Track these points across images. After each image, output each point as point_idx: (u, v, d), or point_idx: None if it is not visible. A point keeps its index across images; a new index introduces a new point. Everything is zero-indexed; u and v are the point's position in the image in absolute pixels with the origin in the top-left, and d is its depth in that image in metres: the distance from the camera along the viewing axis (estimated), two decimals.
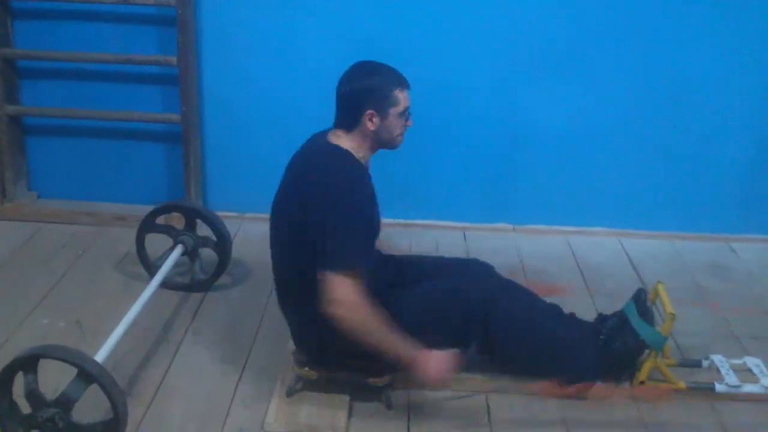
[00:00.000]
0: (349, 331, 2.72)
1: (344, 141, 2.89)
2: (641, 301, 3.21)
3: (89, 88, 4.60)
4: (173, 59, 4.35)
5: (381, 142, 2.91)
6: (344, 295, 2.70)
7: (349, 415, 3.04)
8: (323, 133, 2.97)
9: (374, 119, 2.83)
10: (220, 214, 3.97)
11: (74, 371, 2.65)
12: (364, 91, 2.84)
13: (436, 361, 2.81)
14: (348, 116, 2.88)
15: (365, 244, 2.83)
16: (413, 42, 4.28)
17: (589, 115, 4.50)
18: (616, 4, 4.28)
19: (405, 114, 2.90)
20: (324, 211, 2.74)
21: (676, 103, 4.46)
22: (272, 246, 3.03)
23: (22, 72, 4.60)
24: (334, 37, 4.37)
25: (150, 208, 3.95)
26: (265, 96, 4.54)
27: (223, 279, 3.98)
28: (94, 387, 2.64)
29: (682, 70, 4.40)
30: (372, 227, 2.88)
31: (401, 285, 3.14)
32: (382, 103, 2.83)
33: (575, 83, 4.43)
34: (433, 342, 2.89)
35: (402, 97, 2.86)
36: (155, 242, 3.94)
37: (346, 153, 2.87)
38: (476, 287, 3.11)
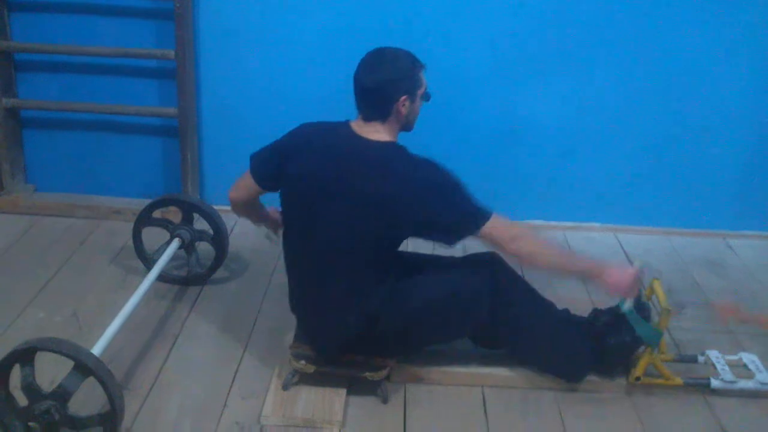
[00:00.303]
0: (536, 260, 2.94)
1: (382, 133, 2.91)
2: (636, 296, 3.21)
3: (86, 81, 4.59)
4: (171, 53, 4.34)
5: (406, 125, 2.96)
6: (514, 229, 2.89)
7: (346, 409, 3.05)
8: (346, 129, 2.96)
9: (406, 104, 2.86)
10: (216, 207, 3.96)
11: (71, 364, 2.65)
12: (395, 79, 2.85)
13: (623, 273, 2.98)
14: (381, 106, 2.88)
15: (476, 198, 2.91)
16: (412, 39, 4.25)
17: (585, 110, 4.50)
18: (608, 2, 4.28)
19: (426, 94, 2.95)
20: (444, 193, 2.84)
21: (673, 98, 4.47)
22: (331, 236, 2.95)
23: (19, 65, 4.59)
24: (332, 31, 4.37)
25: (147, 201, 3.95)
26: (262, 90, 4.54)
27: (220, 272, 3.98)
28: (91, 380, 2.65)
29: (679, 65, 4.40)
30: None
31: (407, 275, 3.15)
32: (411, 87, 2.87)
33: (571, 78, 4.44)
34: (440, 329, 2.98)
35: (423, 77, 2.92)
36: (152, 236, 3.94)
37: (401, 146, 2.93)
38: (482, 272, 3.12)
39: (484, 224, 2.83)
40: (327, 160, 2.92)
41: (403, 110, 2.87)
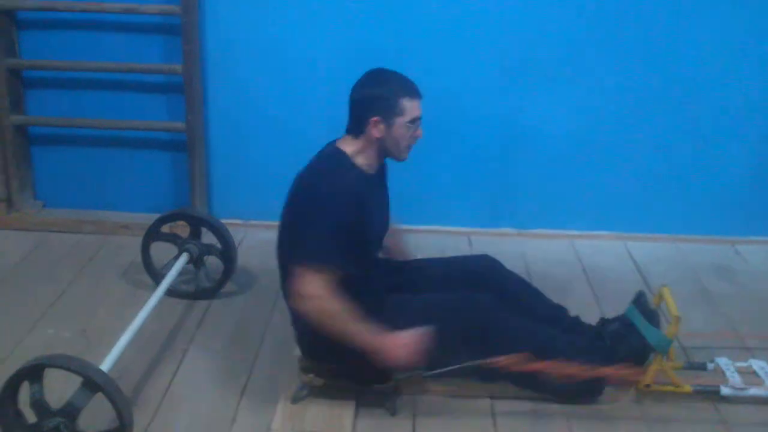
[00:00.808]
0: (316, 323, 2.81)
1: (349, 146, 2.94)
2: (642, 303, 3.21)
3: (94, 97, 4.61)
4: (178, 68, 4.36)
5: (387, 150, 2.95)
6: (310, 290, 2.78)
7: (355, 421, 3.05)
8: (336, 139, 3.02)
9: (380, 126, 2.85)
10: (224, 221, 3.98)
11: (79, 380, 2.66)
12: (370, 98, 2.87)
13: (403, 342, 2.81)
14: (355, 122, 2.92)
15: (335, 245, 2.81)
16: (416, 50, 4.29)
17: (592, 118, 4.50)
18: (617, 7, 4.28)
19: (414, 124, 2.91)
20: (301, 209, 2.87)
21: (680, 105, 4.47)
22: (283, 250, 3.02)
23: (28, 82, 4.61)
24: (338, 46, 4.38)
25: (154, 216, 3.96)
26: (269, 104, 4.54)
27: (228, 287, 3.99)
28: (100, 395, 2.65)
29: (686, 72, 4.40)
30: (346, 230, 2.84)
31: (405, 290, 3.14)
32: (387, 111, 2.85)
33: (578, 87, 4.44)
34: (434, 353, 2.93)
35: (410, 106, 2.87)
36: (160, 251, 3.95)
37: (343, 157, 2.92)
38: (473, 307, 3.09)
39: (299, 264, 2.80)
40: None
41: (376, 133, 2.87)
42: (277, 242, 3.02)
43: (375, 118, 2.84)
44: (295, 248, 2.87)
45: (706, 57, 4.37)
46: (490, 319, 3.06)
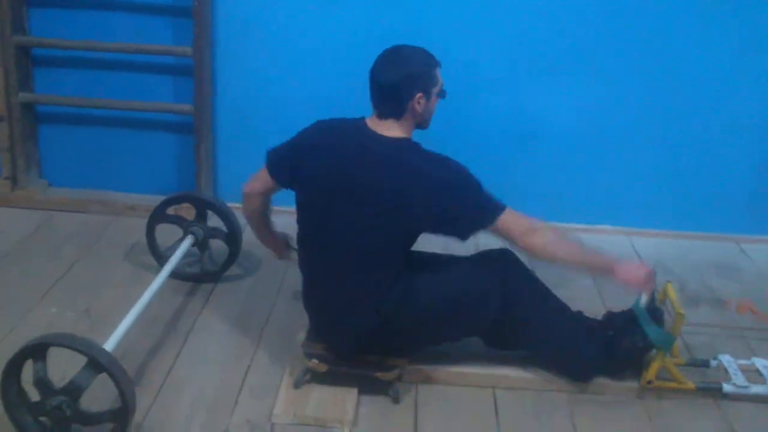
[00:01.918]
0: (549, 254, 2.95)
1: (397, 130, 2.93)
2: (650, 299, 3.21)
3: (103, 77, 4.60)
4: (188, 50, 4.35)
5: (422, 122, 2.98)
6: (527, 223, 2.92)
7: (357, 409, 3.05)
8: (361, 126, 2.98)
9: (422, 101, 2.87)
10: (230, 205, 3.97)
11: (83, 360, 2.66)
12: (410, 76, 2.87)
13: (637, 268, 3.07)
14: (396, 104, 2.90)
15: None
16: (429, 38, 4.25)
17: (597, 112, 4.50)
18: (629, 7, 4.27)
19: (442, 91, 2.97)
20: (458, 188, 2.87)
21: (686, 101, 4.46)
22: (348, 236, 2.96)
23: (37, 59, 4.60)
24: (349, 32, 4.37)
25: (160, 198, 3.96)
26: (277, 88, 4.54)
27: (233, 270, 3.99)
28: (103, 375, 2.65)
29: (692, 68, 4.39)
30: None
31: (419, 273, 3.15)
32: (427, 85, 2.89)
33: (582, 81, 4.43)
34: (452, 327, 3.04)
35: (439, 75, 2.94)
36: (166, 232, 3.95)
37: (416, 144, 2.95)
38: (495, 265, 3.13)
39: (497, 217, 2.86)
40: (341, 158, 2.93)
41: (418, 108, 2.88)
42: (361, 228, 2.93)
43: (419, 95, 2.86)
44: (480, 211, 2.89)
45: (714, 54, 4.36)
46: (511, 283, 3.10)
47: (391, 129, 2.92)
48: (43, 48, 4.56)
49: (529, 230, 2.90)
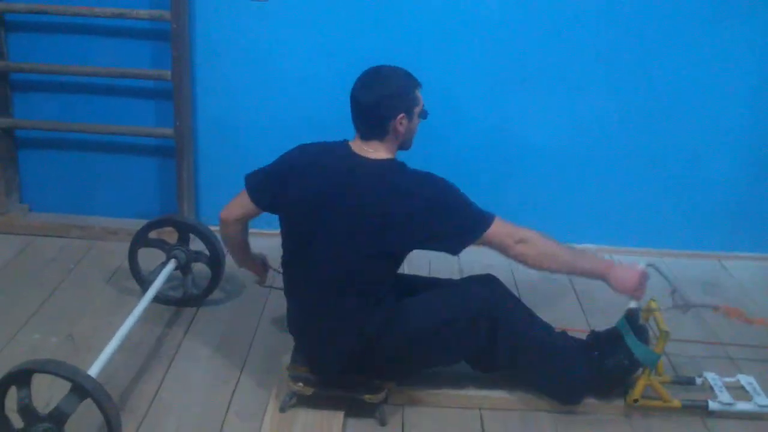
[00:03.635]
0: (540, 262, 2.98)
1: (383, 152, 2.94)
2: (634, 318, 3.21)
3: (82, 101, 4.59)
4: (167, 73, 4.34)
5: (404, 143, 2.98)
6: (518, 232, 2.94)
7: (344, 431, 3.03)
8: (345, 149, 2.98)
9: (404, 122, 2.88)
10: (213, 228, 3.95)
11: (67, 385, 2.64)
12: (392, 96, 2.88)
13: (628, 272, 3.05)
14: (378, 125, 2.90)
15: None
16: (408, 59, 4.27)
17: (578, 131, 4.52)
18: (607, 21, 4.30)
19: (423, 112, 2.98)
20: (448, 204, 2.92)
21: (667, 119, 4.48)
22: (332, 256, 2.95)
23: (15, 84, 4.59)
24: (328, 53, 4.38)
25: (142, 222, 3.94)
26: (258, 110, 4.53)
27: (216, 294, 3.97)
28: (88, 401, 2.63)
29: (673, 87, 4.42)
30: None
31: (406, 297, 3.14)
32: (408, 105, 2.89)
33: (568, 101, 4.45)
34: (438, 352, 3.01)
35: (419, 95, 2.94)
36: (148, 257, 3.93)
37: (400, 163, 2.97)
38: (481, 290, 3.14)
39: (487, 228, 2.90)
40: (327, 182, 2.92)
41: (401, 128, 2.89)
42: (349, 251, 2.93)
43: (401, 115, 2.87)
44: (469, 224, 2.92)
45: (694, 72, 4.39)
46: (498, 307, 3.10)
47: (375, 151, 2.92)
48: (22, 73, 4.55)
49: (521, 239, 2.92)
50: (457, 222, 2.90)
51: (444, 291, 3.20)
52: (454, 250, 2.92)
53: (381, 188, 2.88)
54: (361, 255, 2.89)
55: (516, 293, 3.64)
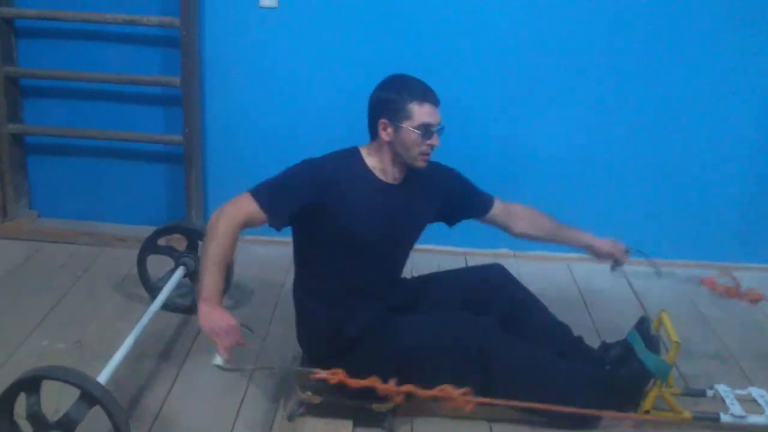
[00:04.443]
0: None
1: (365, 148, 3.00)
2: (645, 329, 3.20)
3: (91, 107, 4.60)
4: (176, 80, 4.34)
5: (400, 156, 2.93)
6: (226, 205, 2.85)
7: None
8: (359, 160, 3.02)
9: (388, 129, 2.87)
10: None
11: (75, 392, 2.63)
12: (379, 100, 2.90)
13: (218, 316, 2.74)
14: (369, 125, 2.96)
15: (279, 193, 2.88)
16: (418, 67, 4.26)
17: (588, 141, 4.52)
18: (617, 32, 4.31)
19: (425, 130, 2.88)
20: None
21: (677, 130, 4.49)
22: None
23: (25, 90, 4.60)
24: (336, 61, 4.39)
25: (150, 228, 3.94)
26: (266, 117, 4.55)
27: (224, 301, 3.92)
28: (96, 408, 2.62)
29: (682, 98, 4.43)
30: (299, 203, 2.89)
31: (409, 310, 3.12)
32: (394, 114, 2.86)
33: (577, 109, 4.46)
34: (428, 376, 2.88)
35: (419, 111, 2.86)
36: (156, 263, 3.92)
37: (355, 152, 2.99)
38: (471, 332, 3.05)
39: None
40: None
41: (385, 136, 2.89)
42: None
43: (382, 120, 2.87)
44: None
45: (703, 84, 4.40)
46: (490, 341, 3.03)
47: (364, 147, 3.00)
48: (32, 79, 4.56)
49: (220, 207, 2.86)
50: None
51: (441, 314, 3.16)
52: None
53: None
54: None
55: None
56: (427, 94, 2.90)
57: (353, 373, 2.77)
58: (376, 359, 2.96)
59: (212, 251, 2.78)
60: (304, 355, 3.20)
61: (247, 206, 2.83)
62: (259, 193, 2.85)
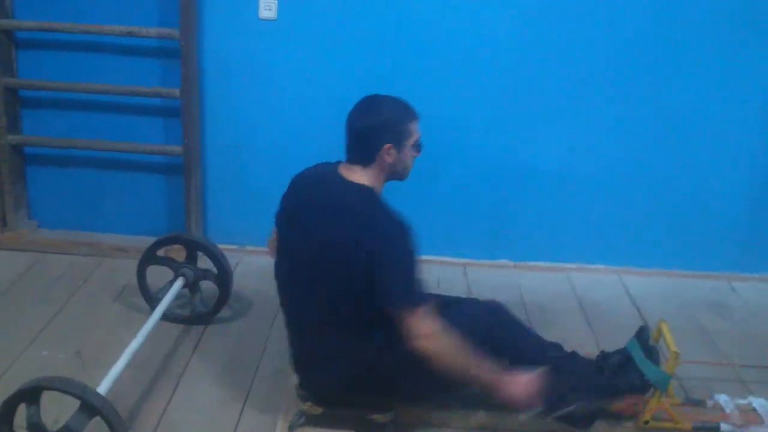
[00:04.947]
0: (437, 361, 2.72)
1: (362, 177, 2.88)
2: (644, 339, 3.20)
3: (91, 118, 4.60)
4: (176, 91, 4.35)
5: (395, 174, 2.92)
6: (428, 328, 2.71)
7: None
8: (333, 168, 2.96)
9: (392, 152, 2.83)
10: (220, 246, 3.95)
11: (75, 403, 2.63)
12: (381, 126, 2.84)
13: (522, 383, 2.81)
14: (365, 152, 2.86)
15: (422, 279, 2.81)
16: (416, 80, 4.30)
17: (589, 152, 4.52)
18: (615, 45, 4.32)
19: (417, 145, 2.90)
20: (392, 255, 2.76)
21: (677, 141, 4.48)
22: (306, 284, 2.94)
23: (25, 101, 4.60)
24: (335, 73, 4.40)
25: (149, 239, 3.95)
26: (266, 129, 4.55)
27: (224, 312, 3.96)
28: (96, 419, 2.62)
29: (682, 108, 4.43)
30: None
31: None
32: (398, 137, 2.83)
33: (576, 122, 4.46)
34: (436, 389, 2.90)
35: (414, 128, 2.88)
36: (156, 274, 3.92)
37: (373, 193, 2.86)
38: (485, 315, 3.08)
39: (407, 308, 2.73)
40: (305, 197, 2.96)
41: (388, 159, 2.85)
42: (316, 279, 2.89)
43: (388, 146, 2.82)
44: (397, 292, 2.76)
45: (703, 95, 4.40)
46: (506, 330, 3.06)
47: (356, 175, 2.89)
48: (32, 90, 4.56)
49: (425, 336, 2.71)
50: (391, 278, 2.76)
51: (465, 310, 3.15)
52: (375, 301, 2.79)
53: (345, 211, 2.83)
54: (338, 288, 2.86)
55: (524, 314, 3.64)
56: (414, 111, 2.92)
57: (404, 399, 2.94)
58: (424, 376, 2.86)
59: (461, 361, 2.77)
60: (315, 401, 3.08)
61: (432, 316, 2.76)
62: (425, 300, 2.78)
